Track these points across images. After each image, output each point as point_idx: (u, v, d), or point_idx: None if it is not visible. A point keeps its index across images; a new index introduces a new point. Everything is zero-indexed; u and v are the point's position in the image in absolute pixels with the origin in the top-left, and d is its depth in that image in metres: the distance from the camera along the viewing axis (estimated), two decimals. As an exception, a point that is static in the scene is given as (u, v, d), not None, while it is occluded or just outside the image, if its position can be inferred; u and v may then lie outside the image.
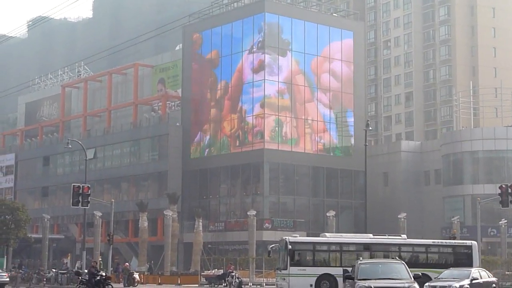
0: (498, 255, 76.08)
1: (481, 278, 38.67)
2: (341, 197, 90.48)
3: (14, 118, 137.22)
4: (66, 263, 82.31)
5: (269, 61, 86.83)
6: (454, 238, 61.47)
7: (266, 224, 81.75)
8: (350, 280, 29.07)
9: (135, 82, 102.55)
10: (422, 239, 55.51)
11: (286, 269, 45.83)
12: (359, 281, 28.01)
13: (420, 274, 45.14)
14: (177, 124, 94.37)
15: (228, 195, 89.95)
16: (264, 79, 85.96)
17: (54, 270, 71.32)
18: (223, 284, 59.20)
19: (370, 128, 70.37)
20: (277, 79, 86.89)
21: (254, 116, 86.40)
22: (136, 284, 60.92)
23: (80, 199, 56.33)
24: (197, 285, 63.93)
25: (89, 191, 57.73)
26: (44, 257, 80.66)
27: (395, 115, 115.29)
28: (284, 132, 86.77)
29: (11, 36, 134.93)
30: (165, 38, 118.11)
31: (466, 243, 48.55)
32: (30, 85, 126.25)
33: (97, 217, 73.15)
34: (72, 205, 57.68)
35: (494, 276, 64.59)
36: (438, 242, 50.27)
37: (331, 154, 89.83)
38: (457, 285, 36.39)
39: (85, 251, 67.42)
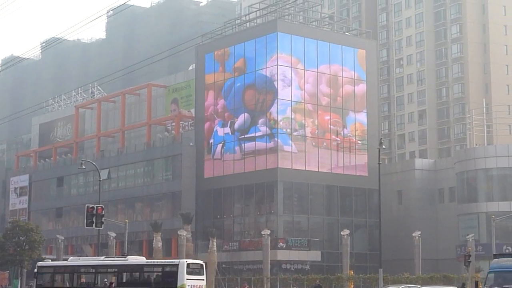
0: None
1: None
2: (356, 216, 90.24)
3: (28, 139, 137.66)
4: None
5: (282, 80, 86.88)
6: (469, 256, 61.32)
7: (281, 244, 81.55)
8: None
9: (149, 102, 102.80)
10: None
11: None
12: None
13: None
14: (191, 144, 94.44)
15: (242, 215, 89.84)
16: (277, 98, 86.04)
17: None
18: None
19: (384, 147, 70.35)
20: (290, 98, 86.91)
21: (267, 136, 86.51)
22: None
23: (94, 220, 56.43)
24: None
25: (103, 211, 57.86)
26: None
27: (409, 133, 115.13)
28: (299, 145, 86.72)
29: (25, 58, 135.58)
30: (178, 59, 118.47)
31: (174, 262, 49.51)
32: (44, 106, 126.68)
33: (111, 238, 73.28)
34: (86, 226, 57.83)
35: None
36: (150, 262, 51.66)
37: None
38: None
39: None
